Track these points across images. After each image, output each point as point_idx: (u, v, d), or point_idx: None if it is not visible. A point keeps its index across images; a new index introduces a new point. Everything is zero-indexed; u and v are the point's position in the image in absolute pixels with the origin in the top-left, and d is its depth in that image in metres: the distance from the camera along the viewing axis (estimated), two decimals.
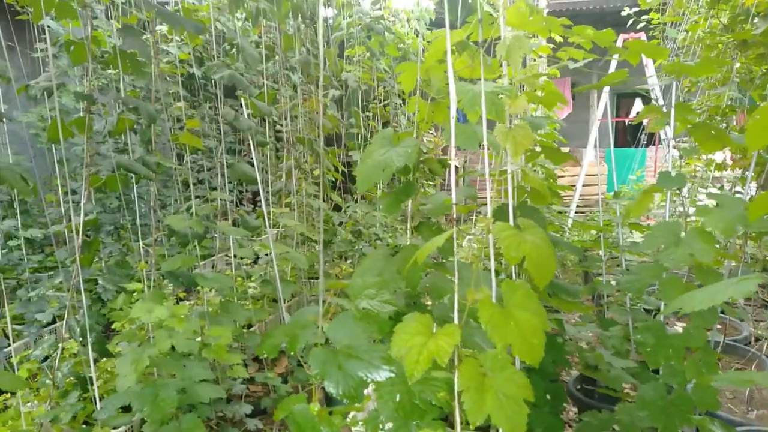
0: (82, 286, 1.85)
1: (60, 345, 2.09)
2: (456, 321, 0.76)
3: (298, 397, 0.85)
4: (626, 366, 1.79)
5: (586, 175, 7.25)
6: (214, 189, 4.87)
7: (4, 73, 1.44)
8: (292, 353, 0.90)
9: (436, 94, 1.21)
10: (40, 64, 3.38)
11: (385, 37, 3.99)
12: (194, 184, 4.95)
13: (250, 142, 2.60)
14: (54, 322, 2.82)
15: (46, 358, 2.19)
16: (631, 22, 4.88)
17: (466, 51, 1.10)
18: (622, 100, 11.04)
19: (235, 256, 2.71)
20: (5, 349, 2.80)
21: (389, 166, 1.13)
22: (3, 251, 3.02)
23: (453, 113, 0.89)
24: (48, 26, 3.59)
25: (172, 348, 1.80)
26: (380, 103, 4.81)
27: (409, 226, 1.23)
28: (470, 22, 1.16)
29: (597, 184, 7.69)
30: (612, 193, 2.61)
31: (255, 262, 3.81)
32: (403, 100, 5.18)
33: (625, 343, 1.99)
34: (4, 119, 1.65)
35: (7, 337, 2.99)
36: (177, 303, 3.13)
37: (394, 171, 1.12)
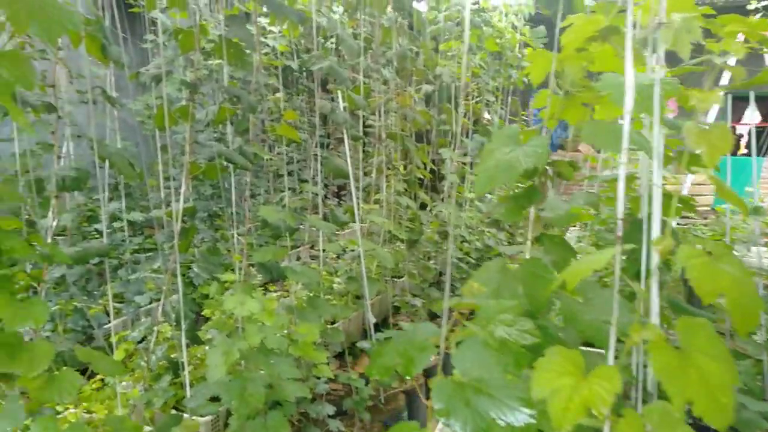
0: (179, 272, 1.87)
1: (155, 329, 2.14)
2: (611, 361, 0.63)
3: (410, 426, 0.75)
4: (762, 410, 1.55)
5: (692, 184, 6.68)
6: (303, 181, 4.92)
7: (119, 59, 1.45)
8: (407, 377, 0.81)
9: (571, 87, 1.06)
10: (149, 54, 3.53)
11: (483, 31, 3.82)
12: (288, 175, 5.02)
13: (344, 136, 2.55)
14: (151, 303, 2.93)
15: (142, 340, 2.25)
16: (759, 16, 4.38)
17: (613, 37, 0.95)
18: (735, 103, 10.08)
19: (323, 250, 2.67)
20: (105, 326, 2.95)
21: (515, 167, 1.00)
22: (107, 232, 3.17)
23: (629, 107, 0.74)
24: (157, 18, 3.75)
25: (261, 342, 1.78)
26: (472, 99, 4.64)
27: (529, 237, 1.09)
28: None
29: (704, 195, 7.07)
30: (723, 206, 2.30)
31: (338, 257, 3.79)
32: (496, 97, 4.98)
33: (757, 380, 1.74)
34: (116, 105, 1.68)
35: (107, 314, 3.15)
36: (264, 294, 3.16)
37: (521, 172, 0.99)
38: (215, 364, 1.76)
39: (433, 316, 3.48)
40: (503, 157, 1.03)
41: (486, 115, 4.93)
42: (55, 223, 1.56)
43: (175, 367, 2.18)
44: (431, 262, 3.78)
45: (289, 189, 4.73)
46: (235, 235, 2.18)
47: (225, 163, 2.13)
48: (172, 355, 2.16)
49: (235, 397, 1.74)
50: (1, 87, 1.07)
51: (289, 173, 5.28)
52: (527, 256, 1.09)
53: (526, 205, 1.08)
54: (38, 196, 1.41)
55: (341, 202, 5.64)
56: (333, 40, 3.24)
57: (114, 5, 1.91)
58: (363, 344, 2.63)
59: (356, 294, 3.14)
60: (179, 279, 1.87)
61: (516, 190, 1.15)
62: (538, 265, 1.01)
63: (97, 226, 3.17)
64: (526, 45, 5.36)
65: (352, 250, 3.11)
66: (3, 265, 1.17)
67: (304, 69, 4.57)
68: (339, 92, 2.55)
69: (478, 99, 4.74)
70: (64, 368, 1.26)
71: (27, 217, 1.43)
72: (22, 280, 1.37)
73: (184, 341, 1.89)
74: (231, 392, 1.75)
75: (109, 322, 3.03)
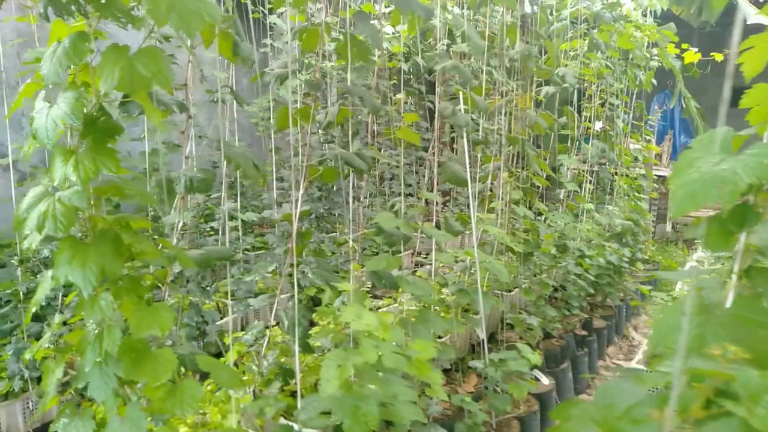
0: (296, 278, 1.81)
1: (267, 333, 2.10)
2: None
3: None
4: None
5: None
6: (409, 185, 4.81)
7: (251, 56, 1.40)
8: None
9: None
10: (267, 59, 3.59)
11: (616, 27, 3.48)
12: (390, 180, 4.95)
13: (464, 139, 2.38)
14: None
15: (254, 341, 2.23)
16: None
17: None
18: None
19: (435, 260, 2.52)
20: (218, 323, 3.00)
21: (730, 182, 0.78)
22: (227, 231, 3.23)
23: None
24: (274, 23, 3.81)
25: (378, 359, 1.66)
26: (593, 102, 4.28)
27: (736, 269, 0.86)
28: None
29: None
30: None
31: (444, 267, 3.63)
32: (621, 100, 4.56)
33: None
34: (244, 105, 1.64)
35: (219, 311, 3.22)
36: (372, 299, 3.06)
37: (743, 190, 0.77)
38: (329, 377, 1.67)
39: (547, 336, 3.22)
40: (711, 169, 0.82)
41: (597, 125, 4.52)
42: (180, 223, 1.54)
43: (285, 374, 2.13)
44: (545, 276, 3.50)
45: (393, 193, 4.64)
46: (350, 242, 2.09)
47: (341, 167, 2.04)
48: (282, 360, 2.12)
49: (348, 415, 1.64)
50: (138, 83, 1.02)
51: (391, 178, 5.21)
52: (731, 295, 0.87)
53: (736, 230, 0.85)
54: (166, 196, 1.39)
55: (444, 208, 5.47)
56: (443, 41, 3.10)
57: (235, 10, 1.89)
58: (475, 363, 2.44)
59: (464, 307, 2.96)
60: (296, 285, 1.80)
61: (718, 211, 0.92)
62: (756, 308, 0.79)
63: (212, 224, 3.25)
64: (654, 44, 4.89)
65: (461, 261, 2.93)
66: (132, 267, 1.13)
67: (412, 71, 4.47)
68: (460, 93, 2.39)
69: (601, 102, 4.37)
70: (186, 378, 1.20)
71: (152, 215, 1.41)
72: (147, 280, 1.35)
73: (297, 350, 1.82)
74: (344, 409, 1.64)
75: (222, 318, 3.09)
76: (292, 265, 2.01)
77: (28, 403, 2.32)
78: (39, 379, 2.33)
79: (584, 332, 3.36)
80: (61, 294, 2.58)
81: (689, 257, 6.27)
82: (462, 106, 2.39)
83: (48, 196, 1.04)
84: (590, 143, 4.05)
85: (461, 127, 2.28)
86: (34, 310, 1.12)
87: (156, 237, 1.45)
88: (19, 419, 2.30)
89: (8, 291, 2.36)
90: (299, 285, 3.13)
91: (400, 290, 2.58)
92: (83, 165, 1.04)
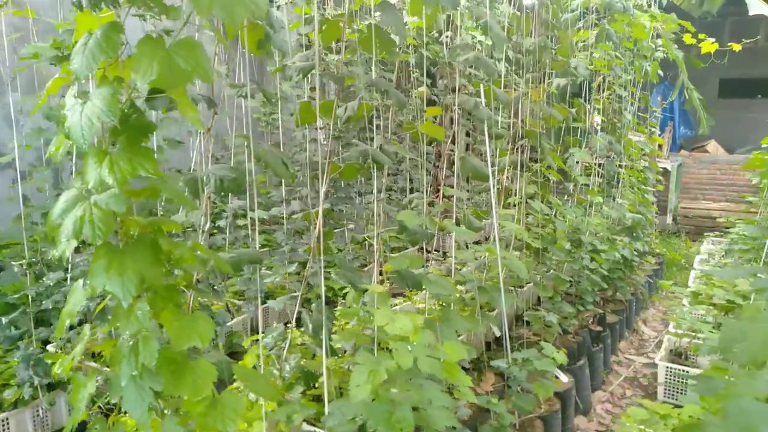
0: (322, 280, 1.74)
1: (289, 336, 2.04)
2: None
3: None
4: None
5: None
6: (410, 180, 4.75)
7: (283, 48, 1.32)
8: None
9: None
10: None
11: (629, 17, 3.43)
12: (394, 175, 4.88)
13: (486, 134, 2.32)
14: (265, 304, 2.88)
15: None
16: None
17: None
18: None
19: (454, 257, 2.47)
20: (227, 323, 2.93)
21: None
22: (233, 229, 3.16)
23: None
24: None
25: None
26: (601, 94, 4.23)
27: None
28: None
29: None
30: None
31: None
32: (629, 91, 4.52)
33: None
34: (272, 100, 1.57)
35: (229, 311, 3.15)
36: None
37: None
38: (359, 383, 1.61)
39: (565, 332, 3.18)
40: None
41: (596, 119, 4.47)
42: (207, 225, 1.47)
43: (307, 378, 2.07)
44: (558, 271, 3.45)
45: (400, 190, 4.57)
46: (376, 239, 2.03)
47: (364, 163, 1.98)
48: (302, 362, 2.05)
49: (381, 421, 1.58)
50: (178, 77, 0.95)
51: (395, 173, 5.13)
52: None
53: None
54: (194, 197, 1.32)
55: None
56: (461, 32, 3.03)
57: None
58: (498, 363, 2.39)
59: (481, 305, 2.91)
60: (322, 287, 1.73)
61: None
62: None
63: (220, 222, 3.17)
64: (657, 36, 4.85)
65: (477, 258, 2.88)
66: (167, 273, 1.06)
67: (415, 63, 4.39)
68: (481, 86, 2.32)
69: (609, 94, 4.33)
70: (225, 391, 1.14)
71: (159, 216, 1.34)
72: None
73: (325, 355, 1.75)
74: (377, 416, 1.59)
75: (232, 319, 3.02)
76: (314, 265, 1.95)
77: (38, 410, 2.24)
78: (50, 386, 2.26)
79: (599, 328, 3.32)
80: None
81: (693, 249, 6.27)
82: (483, 100, 2.32)
83: (83, 200, 0.96)
84: (596, 136, 4.01)
85: (483, 121, 2.22)
86: (67, 322, 1.04)
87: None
88: (29, 427, 2.22)
89: (15, 295, 2.27)
90: (309, 285, 3.06)
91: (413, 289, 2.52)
92: (119, 166, 0.97)
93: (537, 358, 2.33)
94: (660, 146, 6.84)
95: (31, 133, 3.18)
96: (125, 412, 1.91)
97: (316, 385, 2.09)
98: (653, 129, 5.17)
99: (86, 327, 1.11)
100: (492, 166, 2.42)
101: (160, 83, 0.96)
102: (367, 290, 2.09)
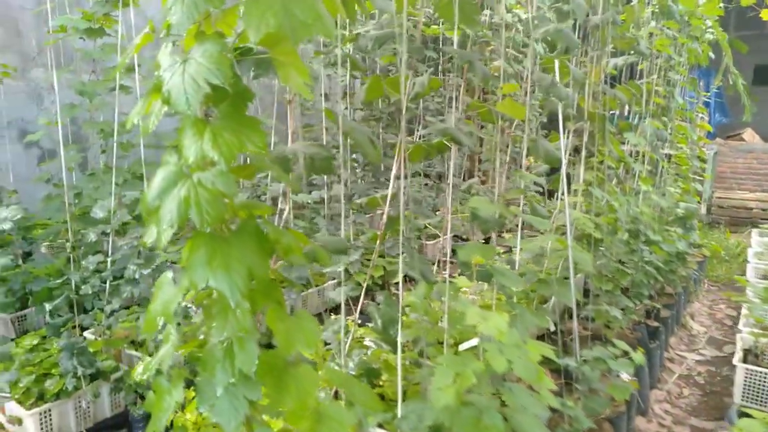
0: (401, 270, 1.59)
1: (352, 330, 1.89)
2: None
3: None
4: None
5: None
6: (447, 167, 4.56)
7: (385, 8, 1.15)
8: None
9: None
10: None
11: None
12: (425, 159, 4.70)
13: (560, 115, 2.14)
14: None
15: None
16: None
17: None
18: None
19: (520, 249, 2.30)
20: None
21: None
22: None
23: None
24: None
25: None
26: (654, 76, 4.01)
27: None
28: None
29: None
30: None
31: (508, 252, 3.42)
32: (681, 76, 4.29)
33: None
34: (363, 71, 1.40)
35: None
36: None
37: None
38: (442, 385, 1.46)
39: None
40: None
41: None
42: (287, 211, 1.32)
43: (370, 375, 1.93)
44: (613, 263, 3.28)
45: (430, 174, 4.39)
46: (447, 227, 1.87)
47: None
48: (368, 360, 1.91)
49: (467, 429, 1.44)
50: (300, 31, 0.79)
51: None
52: None
53: None
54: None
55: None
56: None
57: None
58: (566, 362, 2.24)
59: (541, 299, 2.76)
60: (401, 278, 1.58)
61: None
62: None
63: None
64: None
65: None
66: (267, 266, 0.91)
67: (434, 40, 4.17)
68: (556, 63, 2.14)
69: (660, 77, 4.11)
70: (329, 403, 0.99)
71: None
72: None
73: (400, 358, 1.60)
74: (462, 422, 1.45)
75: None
76: (381, 254, 1.80)
77: (80, 402, 2.12)
78: (92, 377, 2.14)
79: (655, 323, 3.16)
80: (109, 281, 2.37)
81: (731, 241, 6.05)
82: (558, 77, 2.14)
83: (184, 178, 0.81)
84: (652, 121, 3.80)
85: (562, 101, 2.04)
86: (160, 321, 0.89)
87: None
88: (71, 419, 2.11)
89: (57, 280, 2.14)
90: (348, 272, 2.91)
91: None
92: (223, 139, 0.81)
93: (609, 357, 2.17)
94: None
95: (62, 109, 3.04)
96: (184, 410, 1.77)
97: (381, 382, 1.95)
98: (702, 115, 4.94)
99: (171, 328, 0.96)
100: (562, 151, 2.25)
101: (275, 38, 0.80)
102: (436, 283, 1.94)
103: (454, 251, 1.96)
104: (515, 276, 1.99)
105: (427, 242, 4.37)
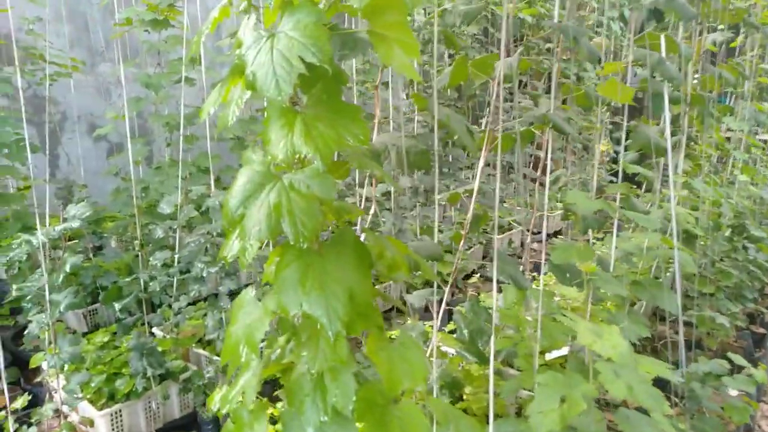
0: (495, 276, 1.40)
1: (433, 340, 1.73)
2: None
3: None
4: None
5: None
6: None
7: None
8: None
9: None
10: None
11: None
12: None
13: (665, 96, 1.88)
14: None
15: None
16: None
17: None
18: None
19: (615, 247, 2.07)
20: None
21: None
22: None
23: None
24: None
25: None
26: (751, 54, 3.60)
27: None
28: None
29: None
30: None
31: None
32: None
33: None
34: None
35: None
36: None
37: None
38: (544, 409, 1.28)
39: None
40: None
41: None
42: (373, 210, 1.17)
43: (452, 386, 1.77)
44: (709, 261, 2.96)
45: (488, 164, 4.13)
46: (543, 226, 1.66)
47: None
48: (451, 371, 1.75)
49: None
50: None
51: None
52: None
53: None
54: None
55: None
56: None
57: None
58: (676, 377, 1.98)
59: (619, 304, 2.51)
60: (494, 283, 1.40)
61: None
62: None
63: None
64: None
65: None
66: (369, 286, 0.75)
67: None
68: (662, 38, 1.88)
69: (758, 54, 3.68)
70: None
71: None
72: None
73: (492, 370, 1.42)
74: None
75: None
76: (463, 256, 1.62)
77: (150, 402, 2.07)
78: (161, 377, 2.08)
79: (761, 329, 2.83)
80: (176, 278, 2.31)
81: None
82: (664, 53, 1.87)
83: (272, 180, 0.66)
84: (755, 103, 3.41)
85: (671, 81, 1.78)
86: (243, 350, 0.76)
87: None
88: (141, 420, 2.06)
89: (127, 279, 2.09)
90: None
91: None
92: (318, 131, 0.66)
93: (721, 371, 1.91)
94: None
95: (129, 102, 3.01)
96: None
97: (463, 394, 1.78)
98: None
99: (253, 354, 0.82)
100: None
101: (380, 7, 0.63)
102: (528, 289, 1.74)
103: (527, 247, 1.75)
104: (617, 282, 1.78)
105: (497, 236, 4.14)
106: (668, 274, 2.93)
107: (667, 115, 1.92)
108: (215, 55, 4.42)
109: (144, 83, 3.00)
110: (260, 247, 0.68)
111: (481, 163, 1.61)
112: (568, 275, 1.77)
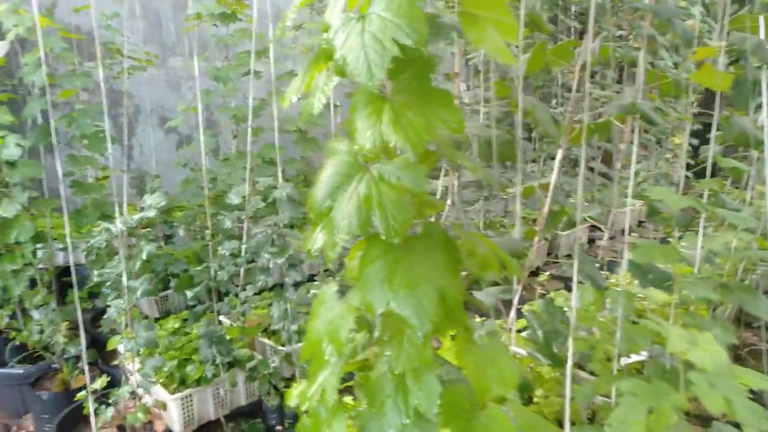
0: (576, 274, 1.33)
1: (512, 340, 1.67)
2: None
3: None
4: None
5: None
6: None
7: None
8: None
9: None
10: None
11: None
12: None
13: (764, 84, 1.72)
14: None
15: None
16: None
17: None
18: None
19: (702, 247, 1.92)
20: None
21: None
22: None
23: None
24: None
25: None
26: None
27: None
28: None
29: None
30: None
31: None
32: None
33: None
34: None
35: None
36: None
37: None
38: (628, 419, 1.19)
39: None
40: None
41: None
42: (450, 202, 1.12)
43: (522, 388, 1.70)
44: None
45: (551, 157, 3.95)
46: (627, 225, 1.56)
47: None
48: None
49: None
50: None
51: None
52: None
53: None
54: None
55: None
56: None
57: None
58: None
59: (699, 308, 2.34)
60: (575, 282, 1.32)
61: None
62: None
63: None
64: None
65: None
66: (459, 285, 0.70)
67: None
68: (761, 19, 1.71)
69: None
70: None
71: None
72: None
73: (570, 379, 1.35)
74: None
75: None
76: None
77: (218, 389, 2.12)
78: (229, 365, 2.12)
79: None
80: (243, 268, 2.35)
81: None
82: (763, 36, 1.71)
83: (360, 170, 0.63)
84: None
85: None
86: (327, 349, 0.73)
87: None
88: (210, 406, 2.11)
89: (197, 268, 2.15)
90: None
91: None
92: (408, 120, 0.62)
93: None
94: None
95: (200, 95, 3.09)
96: None
97: (533, 398, 1.71)
98: None
99: (333, 350, 0.80)
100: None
101: None
102: (607, 289, 1.64)
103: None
104: (704, 284, 1.65)
105: (561, 233, 3.99)
106: (754, 276, 2.72)
107: (764, 102, 1.76)
108: (279, 47, 4.49)
109: (213, 76, 3.07)
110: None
111: (559, 155, 1.53)
112: (650, 276, 1.66)
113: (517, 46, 1.36)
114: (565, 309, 1.67)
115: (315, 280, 2.55)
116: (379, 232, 0.58)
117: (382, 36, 0.58)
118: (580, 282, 1.53)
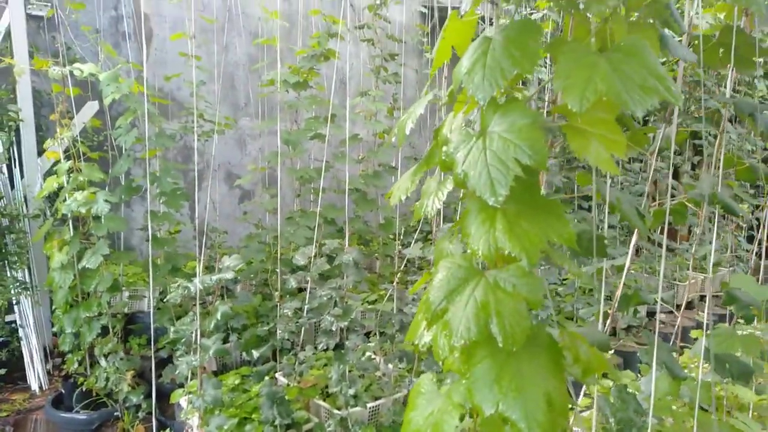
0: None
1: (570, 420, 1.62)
2: None
3: None
4: None
5: None
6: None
7: (686, 57, 0.94)
8: None
9: None
10: None
11: None
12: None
13: None
14: None
15: None
16: None
17: None
18: None
19: None
20: None
21: None
22: None
23: None
24: None
25: None
26: None
27: None
28: None
29: None
30: None
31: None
32: None
33: None
34: None
35: None
36: None
37: None
38: None
39: None
40: None
41: None
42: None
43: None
44: None
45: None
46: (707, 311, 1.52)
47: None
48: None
49: None
50: (638, 96, 0.61)
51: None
52: None
53: None
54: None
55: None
56: None
57: None
58: None
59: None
60: (654, 377, 1.29)
61: None
62: None
63: None
64: None
65: None
66: (565, 390, 0.71)
67: None
68: None
69: None
70: None
71: None
72: None
73: (651, 411, 1.30)
74: None
75: None
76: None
77: None
78: (287, 426, 2.13)
79: None
80: (304, 328, 2.40)
81: None
82: None
83: (476, 276, 0.67)
84: None
85: None
86: None
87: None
88: None
89: (265, 328, 2.21)
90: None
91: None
92: (522, 230, 0.66)
93: None
94: None
95: (268, 156, 3.26)
96: None
97: None
98: None
99: None
100: None
101: (604, 109, 0.63)
102: (685, 379, 1.59)
103: None
104: None
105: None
106: None
107: None
108: (340, 109, 4.70)
109: (284, 140, 3.23)
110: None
111: (634, 239, 1.53)
112: (728, 366, 1.60)
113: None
114: (637, 394, 1.62)
115: (370, 342, 2.56)
116: (496, 338, 0.61)
117: (504, 156, 0.63)
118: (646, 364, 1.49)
